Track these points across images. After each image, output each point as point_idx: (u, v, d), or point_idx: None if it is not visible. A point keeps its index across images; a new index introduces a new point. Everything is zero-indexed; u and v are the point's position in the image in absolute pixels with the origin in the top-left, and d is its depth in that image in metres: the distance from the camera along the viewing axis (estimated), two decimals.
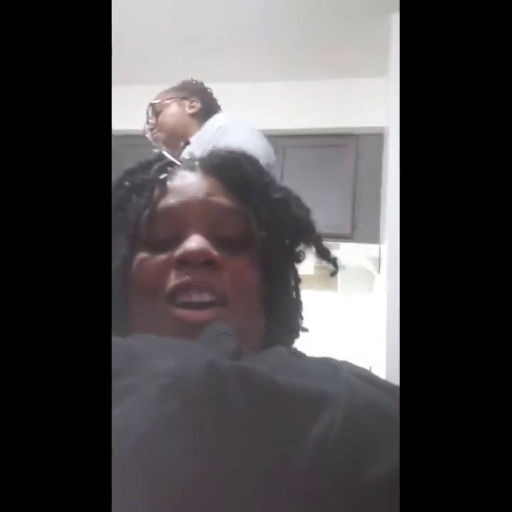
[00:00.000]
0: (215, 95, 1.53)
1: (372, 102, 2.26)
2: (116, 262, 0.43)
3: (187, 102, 1.46)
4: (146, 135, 1.51)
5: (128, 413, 0.25)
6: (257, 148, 1.13)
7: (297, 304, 0.51)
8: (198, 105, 1.45)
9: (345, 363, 0.35)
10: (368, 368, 0.41)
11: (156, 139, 1.47)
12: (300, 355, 0.39)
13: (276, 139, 2.43)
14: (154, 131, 1.46)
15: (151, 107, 1.49)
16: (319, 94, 2.42)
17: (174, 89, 1.53)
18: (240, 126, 1.28)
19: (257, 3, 2.09)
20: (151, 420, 0.25)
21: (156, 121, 1.47)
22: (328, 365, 0.34)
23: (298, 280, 0.51)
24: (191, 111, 1.45)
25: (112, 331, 0.45)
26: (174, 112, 1.49)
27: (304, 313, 0.51)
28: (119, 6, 2.15)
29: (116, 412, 0.25)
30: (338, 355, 0.38)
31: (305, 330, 0.51)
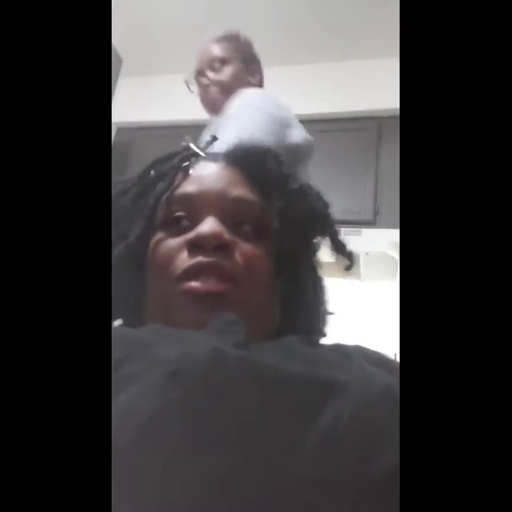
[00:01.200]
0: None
1: (393, 82, 2.20)
2: (129, 240, 0.44)
3: (248, 71, 1.15)
4: (192, 85, 1.16)
5: (131, 401, 0.25)
6: (265, 135, 0.89)
7: (316, 299, 0.49)
8: (255, 81, 1.15)
9: (358, 349, 0.35)
10: (393, 356, 0.40)
11: (208, 96, 1.12)
12: (313, 344, 0.38)
13: None
14: (211, 85, 1.11)
15: (222, 57, 1.12)
16: (339, 77, 2.38)
17: (231, 42, 1.15)
18: (248, 112, 0.98)
19: None
20: (154, 408, 0.25)
21: (219, 75, 1.12)
22: (339, 352, 0.34)
23: (316, 275, 0.50)
24: (250, 81, 1.14)
25: (125, 308, 0.46)
26: (238, 74, 1.13)
27: (328, 308, 0.50)
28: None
29: (119, 400, 0.25)
30: (362, 342, 0.37)
31: (330, 313, 0.50)
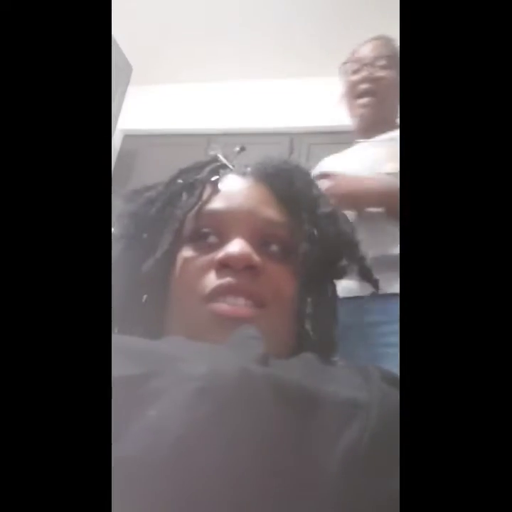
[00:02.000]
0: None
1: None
2: (157, 255, 0.44)
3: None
4: (349, 90, 1.05)
5: (161, 416, 0.25)
6: None
7: (333, 321, 0.50)
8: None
9: (375, 368, 0.35)
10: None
11: (367, 106, 1.03)
12: (330, 362, 0.39)
13: (300, 136, 2.43)
14: (373, 87, 1.02)
15: (390, 56, 1.01)
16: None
17: (385, 44, 1.06)
18: None
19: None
20: (186, 423, 0.25)
21: (381, 73, 1.01)
22: (358, 371, 0.34)
23: (335, 296, 0.50)
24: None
25: (143, 320, 0.45)
26: (397, 78, 1.01)
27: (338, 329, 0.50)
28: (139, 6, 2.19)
29: (149, 414, 0.26)
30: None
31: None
